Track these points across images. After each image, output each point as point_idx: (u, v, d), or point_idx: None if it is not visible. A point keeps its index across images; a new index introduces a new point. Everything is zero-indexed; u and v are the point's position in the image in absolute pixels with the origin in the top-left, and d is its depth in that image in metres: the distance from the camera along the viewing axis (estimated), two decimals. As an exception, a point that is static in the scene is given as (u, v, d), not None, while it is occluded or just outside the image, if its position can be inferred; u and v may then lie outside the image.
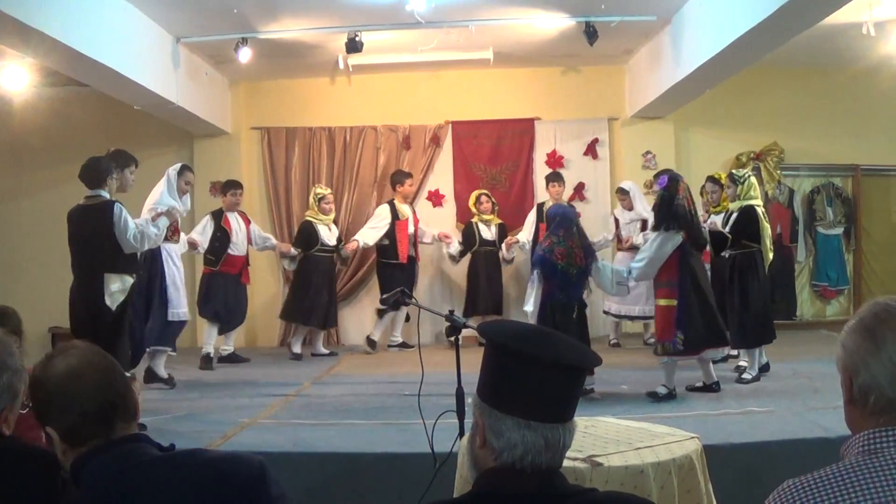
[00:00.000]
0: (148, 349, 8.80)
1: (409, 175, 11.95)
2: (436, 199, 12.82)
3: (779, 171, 12.98)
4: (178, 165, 9.28)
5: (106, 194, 7.59)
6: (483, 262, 11.95)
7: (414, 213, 11.86)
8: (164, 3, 9.49)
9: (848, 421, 2.06)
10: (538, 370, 2.08)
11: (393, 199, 11.69)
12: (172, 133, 12.58)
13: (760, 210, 8.68)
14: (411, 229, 11.61)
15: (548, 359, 2.08)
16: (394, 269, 11.41)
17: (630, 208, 11.47)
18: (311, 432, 6.81)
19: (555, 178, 11.77)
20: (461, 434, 4.60)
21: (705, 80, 10.53)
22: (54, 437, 2.32)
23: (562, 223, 7.97)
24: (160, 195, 8.89)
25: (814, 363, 9.14)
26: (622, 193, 11.55)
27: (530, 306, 7.90)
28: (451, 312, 4.86)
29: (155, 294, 8.83)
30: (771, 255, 8.83)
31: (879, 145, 12.86)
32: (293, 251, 11.23)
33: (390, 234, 11.40)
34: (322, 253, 11.23)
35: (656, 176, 8.98)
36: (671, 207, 7.76)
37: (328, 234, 11.35)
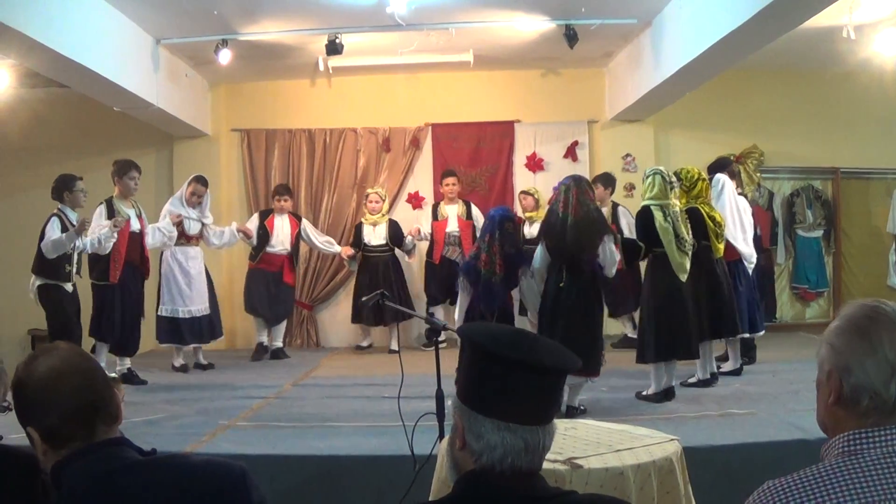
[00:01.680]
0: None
1: (452, 174, 11.97)
2: (415, 201, 12.79)
3: (758, 174, 13.02)
4: (192, 176, 10.37)
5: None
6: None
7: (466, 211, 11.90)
8: (144, 5, 9.45)
9: (829, 421, 2.05)
10: (517, 373, 2.07)
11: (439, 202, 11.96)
12: (152, 135, 12.52)
13: (660, 211, 7.75)
14: (450, 228, 11.69)
15: (526, 361, 2.07)
16: (433, 268, 11.71)
17: None
18: (291, 434, 6.78)
19: (601, 180, 11.18)
20: (441, 436, 4.60)
21: (685, 83, 10.57)
22: (35, 438, 2.31)
23: (486, 228, 7.62)
24: (169, 202, 10.29)
25: (793, 365, 9.15)
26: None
27: (457, 314, 7.63)
28: (432, 315, 4.86)
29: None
30: (680, 260, 7.81)
31: (859, 148, 12.91)
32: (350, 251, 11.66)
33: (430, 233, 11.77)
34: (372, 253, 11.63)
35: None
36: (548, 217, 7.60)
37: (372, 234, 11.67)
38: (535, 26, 10.63)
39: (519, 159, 12.95)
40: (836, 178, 13.23)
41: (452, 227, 11.72)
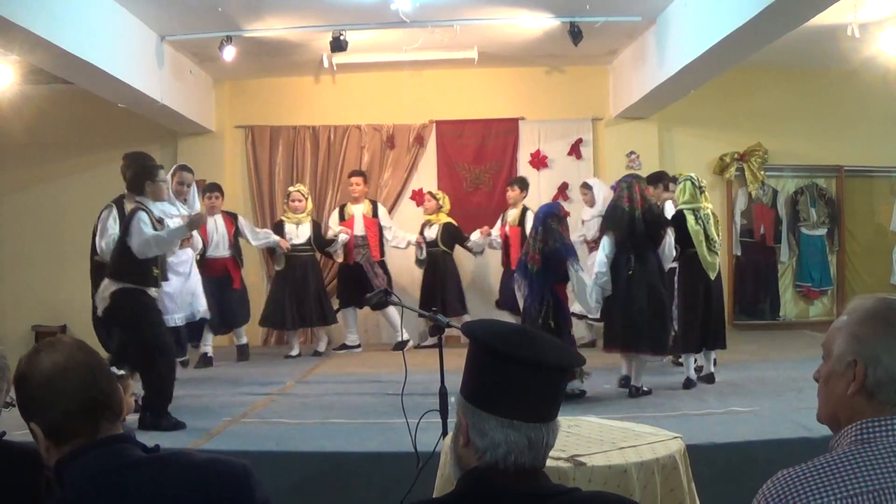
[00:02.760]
0: None
1: (358, 174, 11.85)
2: (419, 198, 12.76)
3: (762, 172, 13.00)
4: (174, 166, 9.16)
5: None
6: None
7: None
8: (148, 1, 9.45)
9: (844, 413, 2.03)
10: (521, 370, 2.08)
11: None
12: (156, 131, 12.53)
13: (692, 215, 8.43)
14: (357, 230, 11.52)
15: (530, 359, 2.08)
16: (345, 269, 11.63)
17: (591, 204, 11.19)
18: (295, 431, 6.79)
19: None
20: (444, 433, 4.60)
21: (690, 81, 10.56)
22: (38, 434, 2.30)
23: (534, 224, 8.08)
24: None
25: (797, 363, 9.15)
26: (585, 188, 11.36)
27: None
28: (435, 312, 4.85)
29: None
30: (710, 259, 8.45)
31: (863, 146, 12.91)
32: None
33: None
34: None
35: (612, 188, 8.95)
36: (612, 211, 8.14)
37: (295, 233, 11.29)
38: (539, 23, 10.64)
39: (523, 156, 12.96)
40: (839, 176, 13.23)
41: (359, 228, 11.49)
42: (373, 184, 12.39)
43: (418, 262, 11.72)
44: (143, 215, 7.14)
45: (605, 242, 8.09)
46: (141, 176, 7.57)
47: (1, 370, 2.74)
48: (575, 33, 10.33)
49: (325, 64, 11.88)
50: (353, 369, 10.09)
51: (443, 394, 4.74)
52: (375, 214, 11.59)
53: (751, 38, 8.67)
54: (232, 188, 12.60)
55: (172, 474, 2.27)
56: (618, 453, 3.87)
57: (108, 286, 7.09)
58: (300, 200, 11.36)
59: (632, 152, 12.80)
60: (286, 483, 5.71)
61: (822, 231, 13.22)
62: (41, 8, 7.69)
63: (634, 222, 7.93)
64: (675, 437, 4.20)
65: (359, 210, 11.58)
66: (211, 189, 10.84)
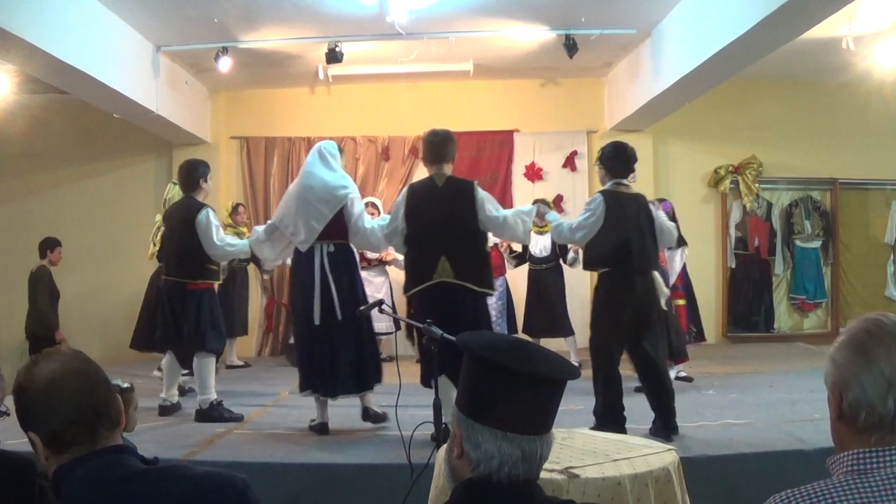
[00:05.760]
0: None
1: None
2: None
3: (757, 185, 13.03)
4: (333, 144, 8.16)
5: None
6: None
7: None
8: (144, 12, 9.47)
9: (836, 438, 2.04)
10: (514, 382, 2.08)
11: None
12: (152, 142, 12.55)
13: None
14: None
15: (524, 371, 2.07)
16: None
17: None
18: (288, 442, 6.77)
19: None
20: (438, 445, 4.60)
21: (684, 94, 10.58)
22: (37, 443, 2.30)
23: None
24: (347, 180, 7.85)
25: (791, 376, 9.16)
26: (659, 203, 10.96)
27: None
28: (430, 324, 4.84)
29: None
30: None
31: (858, 159, 12.94)
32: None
33: None
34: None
35: (659, 200, 9.02)
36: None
37: None
38: (534, 36, 10.66)
39: (518, 168, 12.98)
40: (834, 188, 13.25)
41: None
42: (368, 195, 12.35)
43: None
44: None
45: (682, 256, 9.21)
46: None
47: None
48: (570, 46, 10.36)
49: (321, 75, 11.92)
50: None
51: (436, 406, 4.73)
52: None
53: (745, 51, 8.69)
54: (226, 199, 12.58)
55: (171, 487, 2.27)
56: (612, 465, 3.86)
57: None
58: (244, 213, 11.54)
59: (627, 164, 12.81)
60: (280, 495, 5.69)
61: (817, 244, 13.24)
62: (37, 17, 7.70)
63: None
64: (670, 450, 4.20)
65: None
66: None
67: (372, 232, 7.00)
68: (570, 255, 10.20)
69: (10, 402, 2.72)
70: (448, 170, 6.78)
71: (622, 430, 6.13)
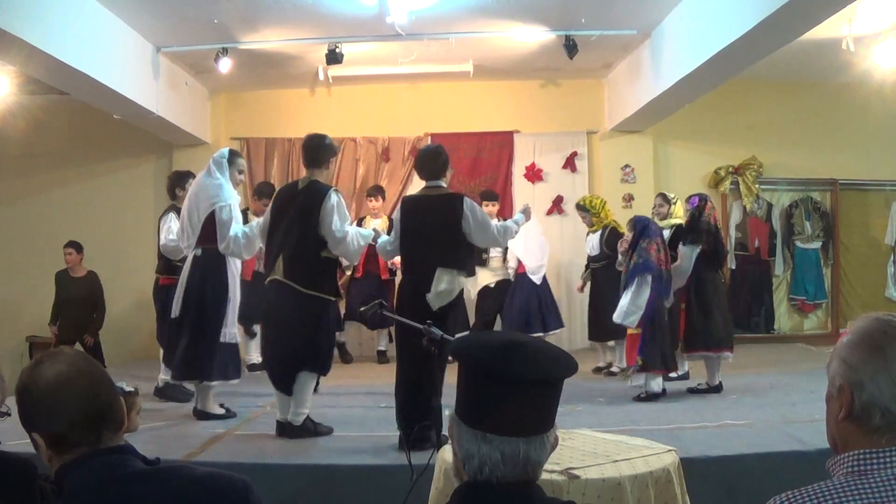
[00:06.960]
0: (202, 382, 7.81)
1: (377, 191, 11.68)
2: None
3: (757, 185, 13.03)
4: (225, 151, 7.97)
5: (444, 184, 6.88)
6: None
7: None
8: (144, 13, 9.47)
9: (839, 437, 2.02)
10: (493, 383, 2.07)
11: None
12: (152, 143, 12.55)
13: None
14: None
15: (501, 371, 2.06)
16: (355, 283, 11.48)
17: (664, 217, 9.67)
18: (287, 444, 6.77)
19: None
20: (437, 446, 4.59)
21: (684, 94, 10.58)
22: (40, 444, 2.30)
23: (653, 233, 8.49)
24: (220, 189, 7.69)
25: (791, 376, 9.16)
26: (664, 200, 9.87)
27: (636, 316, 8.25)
28: (429, 325, 4.83)
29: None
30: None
31: (858, 160, 12.94)
32: None
33: None
34: None
35: (688, 199, 8.98)
36: (698, 223, 8.63)
37: None
38: (534, 37, 10.66)
39: (518, 169, 12.97)
40: (834, 189, 13.25)
41: None
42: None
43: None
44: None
45: (689, 254, 8.63)
46: None
47: None
48: (570, 47, 10.36)
49: (321, 76, 11.92)
50: (346, 382, 10.04)
51: (437, 407, 4.73)
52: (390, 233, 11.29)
53: (746, 52, 8.69)
54: (227, 200, 12.58)
55: (172, 488, 2.27)
56: (612, 466, 3.86)
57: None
58: None
59: (627, 165, 12.83)
60: (279, 496, 5.69)
61: (817, 244, 13.24)
62: (37, 18, 7.69)
63: (720, 235, 8.89)
64: (670, 450, 4.20)
65: (378, 225, 11.34)
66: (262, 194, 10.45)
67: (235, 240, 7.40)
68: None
69: (10, 402, 2.72)
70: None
71: None
